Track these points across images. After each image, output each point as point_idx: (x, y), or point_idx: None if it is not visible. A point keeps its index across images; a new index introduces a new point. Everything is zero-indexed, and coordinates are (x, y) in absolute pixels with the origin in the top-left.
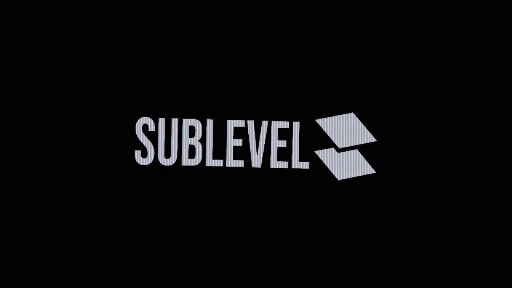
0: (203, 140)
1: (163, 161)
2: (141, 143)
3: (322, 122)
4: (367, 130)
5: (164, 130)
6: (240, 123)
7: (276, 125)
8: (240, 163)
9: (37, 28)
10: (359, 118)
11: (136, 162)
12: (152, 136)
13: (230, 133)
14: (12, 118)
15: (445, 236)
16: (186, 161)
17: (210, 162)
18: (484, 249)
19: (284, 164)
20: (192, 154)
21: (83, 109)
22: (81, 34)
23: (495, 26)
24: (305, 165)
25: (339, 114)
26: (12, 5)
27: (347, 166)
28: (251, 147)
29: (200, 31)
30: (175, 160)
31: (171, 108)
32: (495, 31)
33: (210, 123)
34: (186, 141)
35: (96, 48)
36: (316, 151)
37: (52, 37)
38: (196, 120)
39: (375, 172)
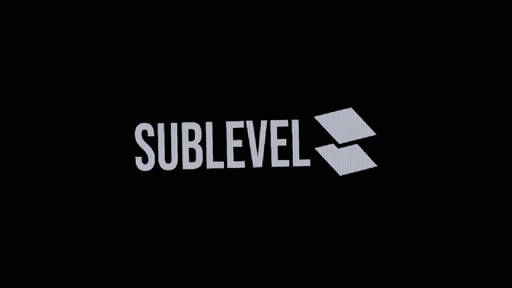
0: (203, 143)
1: (164, 166)
2: (141, 149)
3: (321, 119)
4: (366, 124)
5: (163, 134)
6: (239, 124)
7: (275, 124)
8: (241, 164)
9: (36, 31)
10: (358, 113)
11: (137, 168)
12: (152, 142)
13: (229, 134)
14: (11, 126)
15: (446, 230)
16: (187, 165)
17: (211, 164)
18: (484, 244)
19: (285, 163)
20: (192, 157)
21: (82, 117)
22: (79, 40)
23: (495, 26)
24: (306, 162)
25: (337, 110)
26: (12, 5)
27: (348, 161)
28: (251, 148)
29: (197, 32)
30: (176, 165)
31: (170, 112)
32: (495, 31)
33: (209, 125)
34: (186, 144)
35: (94, 54)
36: (316, 148)
37: (50, 42)
38: (195, 123)
39: (376, 166)
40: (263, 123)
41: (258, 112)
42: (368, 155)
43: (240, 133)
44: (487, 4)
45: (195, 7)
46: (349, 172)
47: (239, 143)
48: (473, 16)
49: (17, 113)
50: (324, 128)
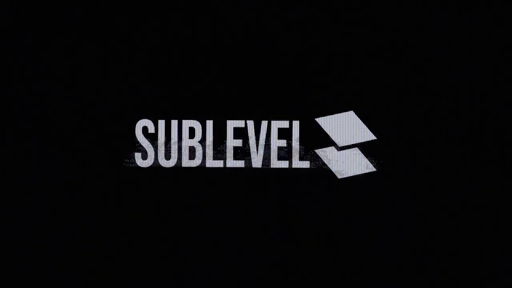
0: (203, 141)
1: (164, 163)
2: (141, 145)
3: (322, 121)
4: (367, 128)
5: (164, 131)
6: (240, 123)
7: (276, 124)
8: (240, 164)
9: (36, 27)
10: (359, 116)
11: (137, 164)
12: (152, 138)
13: (230, 133)
14: (11, 120)
15: (446, 235)
16: (186, 163)
17: (211, 163)
18: (485, 248)
19: (284, 164)
20: (192, 155)
21: (83, 112)
22: (79, 35)
23: (495, 26)
24: (306, 164)
25: (338, 113)
26: (11, 4)
27: (348, 164)
28: (251, 147)
29: (200, 30)
30: (175, 162)
31: (171, 109)
32: (495, 31)
33: (209, 124)
34: (186, 142)
35: (95, 49)
36: (316, 150)
37: (50, 38)
38: (195, 121)
39: (375, 170)
40: (264, 123)
41: (259, 112)
42: (368, 159)
43: (240, 133)
44: (487, 4)
45: (198, 4)
46: (348, 176)
47: (239, 142)
48: (473, 17)
49: (16, 110)
50: (324, 131)
